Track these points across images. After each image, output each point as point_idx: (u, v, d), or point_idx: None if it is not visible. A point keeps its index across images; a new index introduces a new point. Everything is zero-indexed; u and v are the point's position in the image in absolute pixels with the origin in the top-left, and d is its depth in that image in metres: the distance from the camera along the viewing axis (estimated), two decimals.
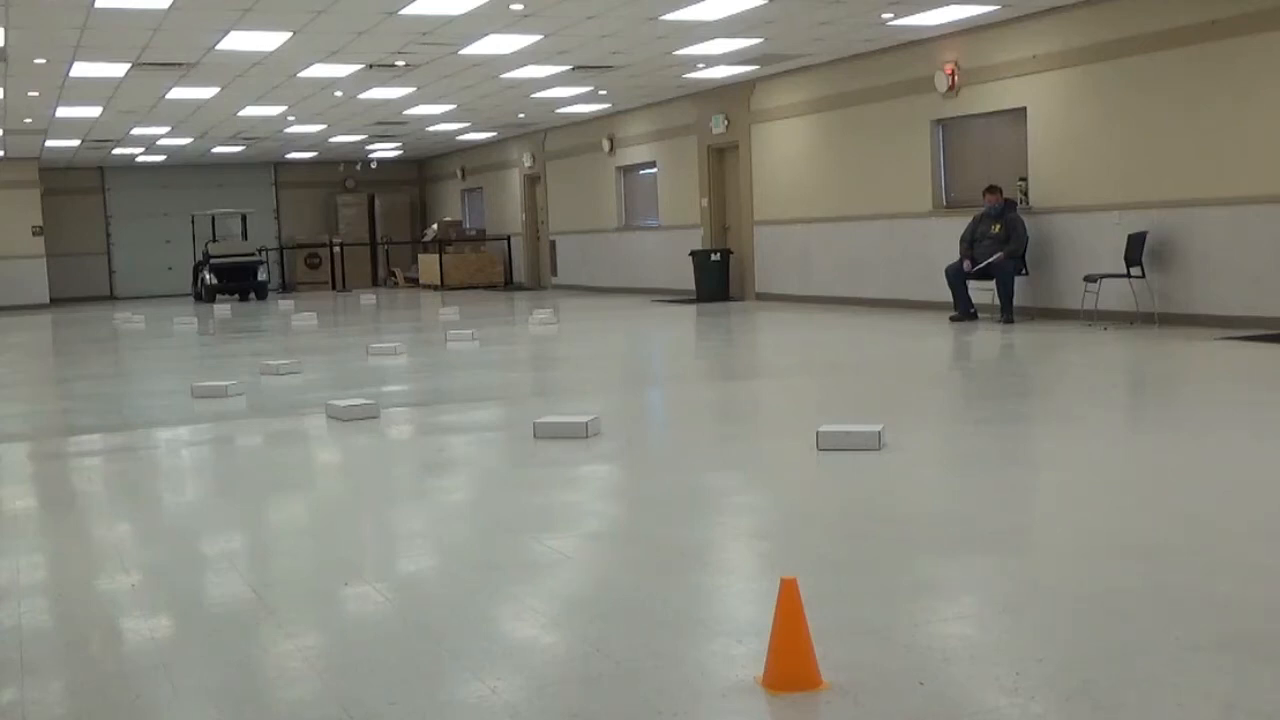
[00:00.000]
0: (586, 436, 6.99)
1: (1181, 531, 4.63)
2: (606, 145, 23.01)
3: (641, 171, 22.55)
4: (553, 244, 25.84)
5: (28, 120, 19.87)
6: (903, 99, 15.66)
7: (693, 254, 19.52)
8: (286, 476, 6.63)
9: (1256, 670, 3.15)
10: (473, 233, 28.61)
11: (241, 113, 20.15)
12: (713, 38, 14.65)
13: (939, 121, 15.37)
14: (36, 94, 16.95)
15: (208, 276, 25.85)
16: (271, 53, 14.39)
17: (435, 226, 28.35)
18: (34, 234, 26.58)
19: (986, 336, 12.40)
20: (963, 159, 15.29)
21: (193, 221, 28.30)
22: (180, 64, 14.92)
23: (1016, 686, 3.08)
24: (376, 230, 31.45)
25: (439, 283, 26.68)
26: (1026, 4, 13.18)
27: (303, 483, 6.49)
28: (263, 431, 8.25)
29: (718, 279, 19.17)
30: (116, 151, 25.91)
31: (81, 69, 14.92)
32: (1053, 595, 3.86)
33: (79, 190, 29.56)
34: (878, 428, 6.36)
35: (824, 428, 6.42)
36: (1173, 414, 7.80)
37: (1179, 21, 12.04)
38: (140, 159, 27.84)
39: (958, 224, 14.31)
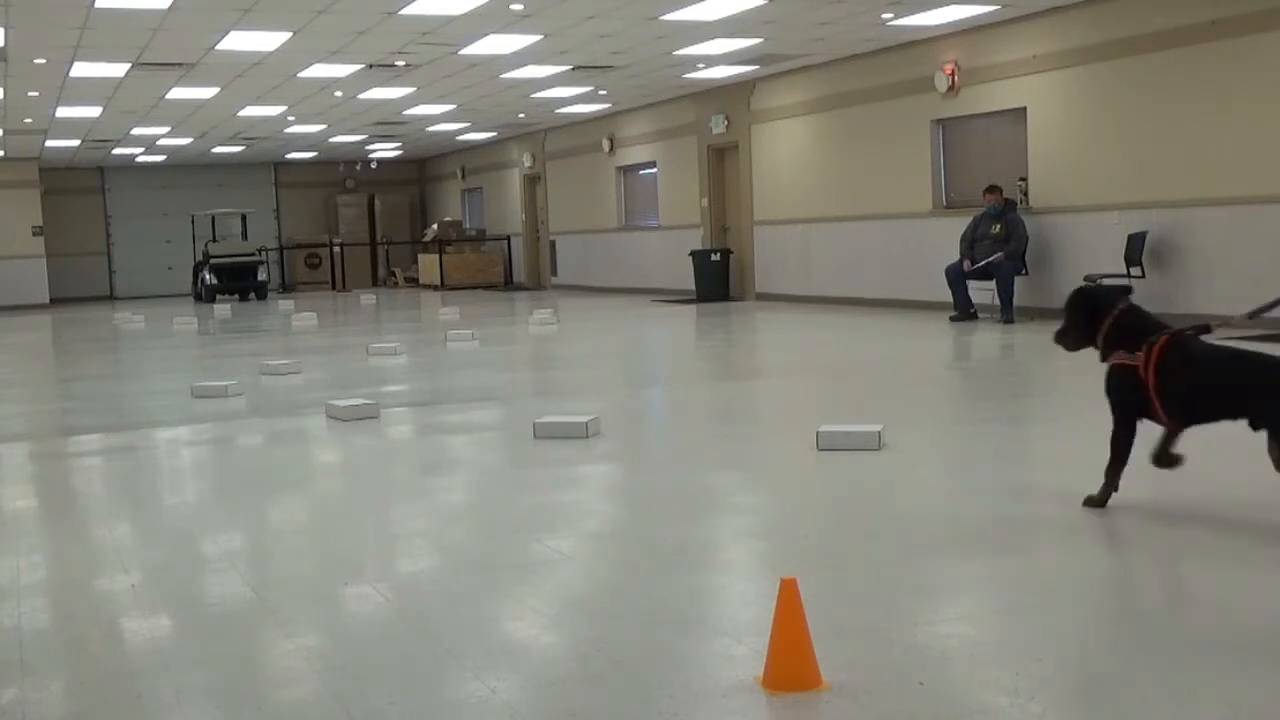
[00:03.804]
0: (586, 436, 6.98)
1: (1181, 531, 4.62)
2: (606, 145, 23.01)
3: (641, 171, 22.55)
4: (553, 244, 25.84)
5: (28, 120, 19.87)
6: (903, 99, 15.66)
7: (693, 254, 19.52)
8: (286, 476, 6.63)
9: (1257, 670, 3.14)
10: (473, 233, 28.60)
11: (241, 113, 20.15)
12: (713, 38, 14.65)
13: (939, 121, 15.37)
14: (36, 94, 16.96)
15: (208, 276, 25.84)
16: (271, 53, 14.39)
17: (435, 226, 28.34)
18: (34, 234, 26.58)
19: (986, 336, 12.40)
20: (963, 159, 15.28)
21: (193, 221, 28.29)
22: (180, 64, 14.92)
23: (1016, 686, 3.08)
24: (376, 230, 31.44)
25: (439, 283, 26.68)
26: (1026, 4, 13.18)
27: (303, 483, 6.49)
28: (263, 431, 8.25)
29: (718, 279, 19.17)
30: (116, 151, 25.91)
31: (81, 69, 14.91)
32: (1053, 595, 3.86)
33: (79, 190, 29.55)
34: (878, 428, 6.36)
35: (824, 428, 6.42)
36: None
37: (1179, 21, 12.04)
38: (140, 159, 27.84)
39: (958, 224, 14.31)
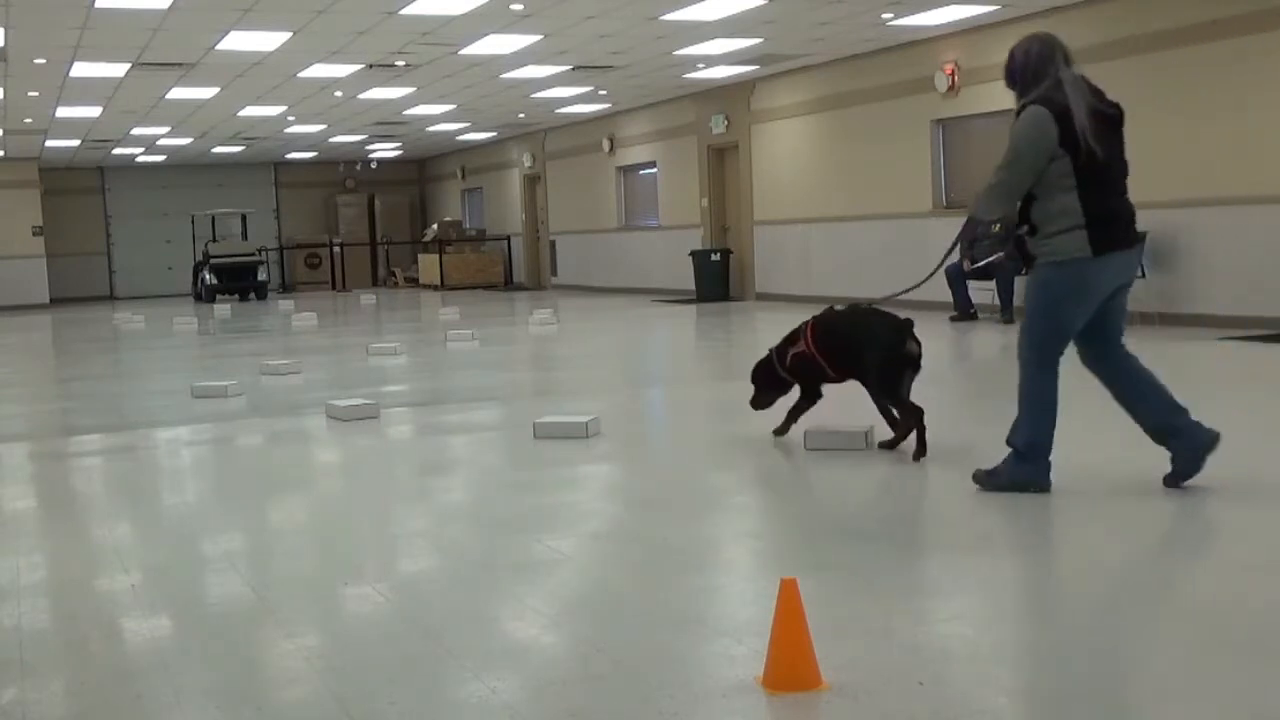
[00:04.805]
0: (586, 436, 6.99)
1: (1182, 531, 4.62)
2: (606, 145, 23.01)
3: (641, 171, 22.55)
4: (553, 244, 25.84)
5: (28, 120, 19.87)
6: (903, 99, 15.65)
7: (693, 254, 19.51)
8: (286, 476, 6.63)
9: (1258, 670, 3.14)
10: (473, 233, 28.61)
11: (241, 113, 20.15)
12: (713, 38, 14.65)
13: (939, 121, 15.37)
14: (36, 94, 16.96)
15: (208, 276, 25.84)
16: (271, 53, 14.39)
17: (435, 226, 28.35)
18: (34, 234, 26.58)
19: (987, 336, 12.40)
20: (963, 159, 15.28)
21: (193, 221, 28.29)
22: (180, 64, 14.92)
23: (1016, 686, 3.08)
24: (376, 230, 31.45)
25: (439, 283, 26.68)
26: (1026, 4, 13.18)
27: (303, 483, 6.49)
28: (263, 431, 8.25)
29: (718, 279, 19.17)
30: (116, 151, 25.91)
31: (81, 69, 14.91)
32: (1052, 595, 3.86)
33: (79, 190, 29.55)
34: (866, 426, 6.36)
35: (810, 427, 6.44)
36: None
37: (1179, 21, 12.04)
38: (140, 159, 27.84)
39: (958, 224, 14.25)
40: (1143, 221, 13.60)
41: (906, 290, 6.46)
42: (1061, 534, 4.74)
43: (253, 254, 26.53)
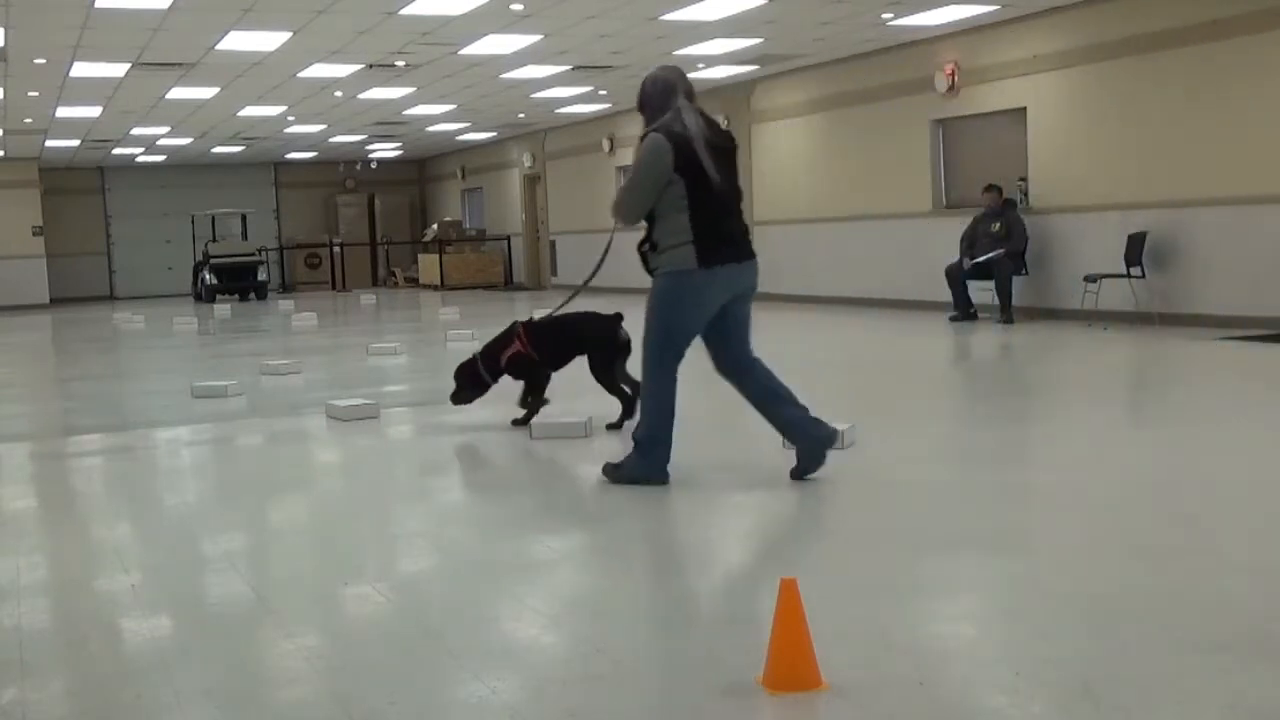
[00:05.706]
0: (585, 436, 6.99)
1: (1182, 531, 4.63)
2: (606, 145, 23.01)
3: None
4: (553, 244, 25.84)
5: (28, 120, 19.87)
6: (903, 99, 15.65)
7: None
8: (287, 476, 6.63)
9: (1257, 670, 3.15)
10: (473, 233, 28.60)
11: (241, 113, 20.15)
12: (713, 38, 14.64)
13: (939, 121, 15.37)
14: (36, 94, 16.95)
15: (208, 276, 25.84)
16: (271, 53, 14.39)
17: (435, 226, 28.34)
18: (34, 234, 26.57)
19: (986, 336, 12.39)
20: (963, 159, 15.28)
21: (193, 221, 28.28)
22: (180, 64, 14.92)
23: (1016, 686, 3.08)
24: (376, 230, 31.44)
25: (439, 283, 26.68)
26: (1026, 4, 13.18)
27: (303, 483, 6.49)
28: (263, 431, 8.25)
29: None
30: (116, 151, 25.91)
31: (81, 69, 14.91)
32: (1053, 595, 3.86)
33: (79, 190, 29.54)
34: (846, 426, 6.36)
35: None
36: (1173, 414, 7.80)
37: (1179, 21, 12.04)
38: (140, 159, 27.84)
39: (958, 224, 14.30)
40: (1143, 221, 13.67)
41: (583, 286, 7.40)
42: (1061, 533, 4.74)
43: (253, 254, 26.53)
